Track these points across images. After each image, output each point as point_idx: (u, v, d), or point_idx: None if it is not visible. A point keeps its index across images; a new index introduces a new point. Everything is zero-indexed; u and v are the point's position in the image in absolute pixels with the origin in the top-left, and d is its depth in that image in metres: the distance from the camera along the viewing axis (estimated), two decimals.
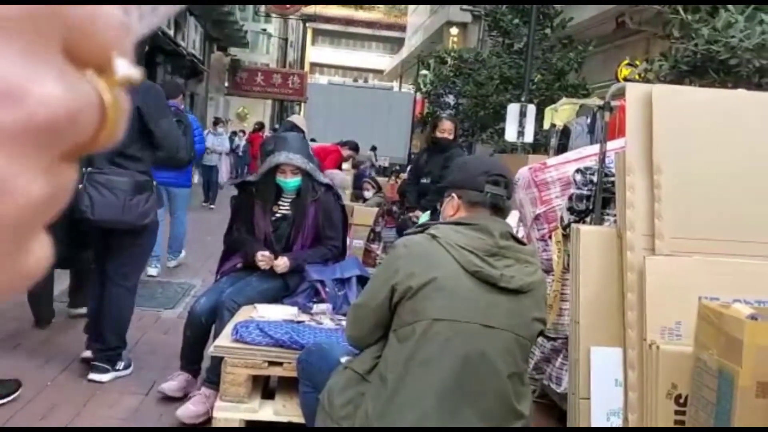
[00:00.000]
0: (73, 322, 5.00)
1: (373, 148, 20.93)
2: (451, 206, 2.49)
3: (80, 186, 3.53)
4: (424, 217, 6.26)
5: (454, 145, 6.50)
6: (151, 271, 6.65)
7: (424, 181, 6.56)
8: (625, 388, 2.90)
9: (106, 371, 3.91)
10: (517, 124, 9.88)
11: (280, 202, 3.78)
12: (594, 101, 5.60)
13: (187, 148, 4.15)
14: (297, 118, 8.55)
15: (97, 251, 3.97)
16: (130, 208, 3.64)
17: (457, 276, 2.30)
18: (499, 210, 2.47)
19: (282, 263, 3.65)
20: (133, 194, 3.65)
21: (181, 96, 6.40)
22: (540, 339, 3.64)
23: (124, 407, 3.62)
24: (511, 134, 10.05)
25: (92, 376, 3.89)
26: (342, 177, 7.62)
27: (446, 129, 6.50)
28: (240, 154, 19.75)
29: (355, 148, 9.16)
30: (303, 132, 7.09)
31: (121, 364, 4.01)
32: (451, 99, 16.22)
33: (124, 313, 4.01)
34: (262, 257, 3.66)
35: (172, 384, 3.70)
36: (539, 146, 10.42)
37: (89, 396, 3.70)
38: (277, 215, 3.78)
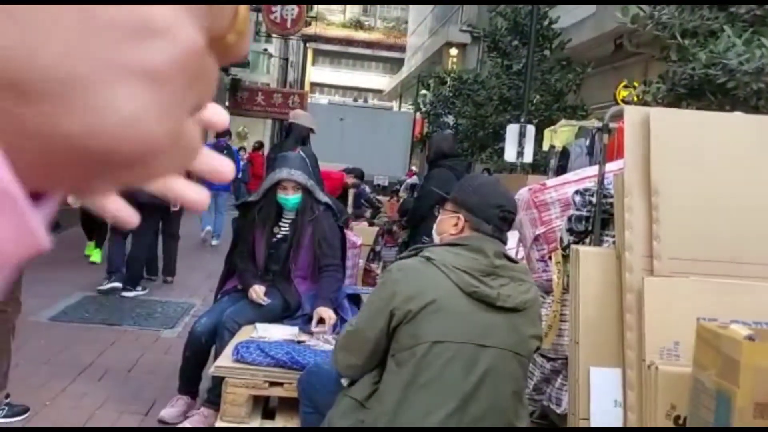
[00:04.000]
0: (74, 342, 5.01)
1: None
2: (455, 227, 2.49)
3: None
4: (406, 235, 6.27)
5: (432, 164, 6.39)
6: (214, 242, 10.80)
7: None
8: (624, 408, 2.90)
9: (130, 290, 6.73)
10: (516, 144, 9.91)
11: (280, 223, 3.79)
12: (593, 123, 5.63)
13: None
14: (300, 115, 7.16)
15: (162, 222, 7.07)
16: None
17: (455, 297, 2.31)
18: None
19: (327, 316, 3.52)
20: None
21: (229, 135, 10.79)
22: (539, 359, 3.64)
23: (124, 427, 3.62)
24: (510, 155, 10.08)
25: (125, 293, 6.66)
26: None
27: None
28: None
29: (360, 176, 9.12)
30: (311, 130, 6.67)
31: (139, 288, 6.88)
32: (450, 119, 16.27)
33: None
34: (257, 296, 3.69)
35: (172, 411, 3.70)
36: (538, 167, 10.45)
37: (89, 416, 3.69)
38: (278, 236, 3.78)
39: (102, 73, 0.27)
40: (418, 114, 22.92)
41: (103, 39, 0.27)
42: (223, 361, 3.11)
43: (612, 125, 3.67)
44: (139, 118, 0.28)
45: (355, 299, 3.78)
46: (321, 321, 3.50)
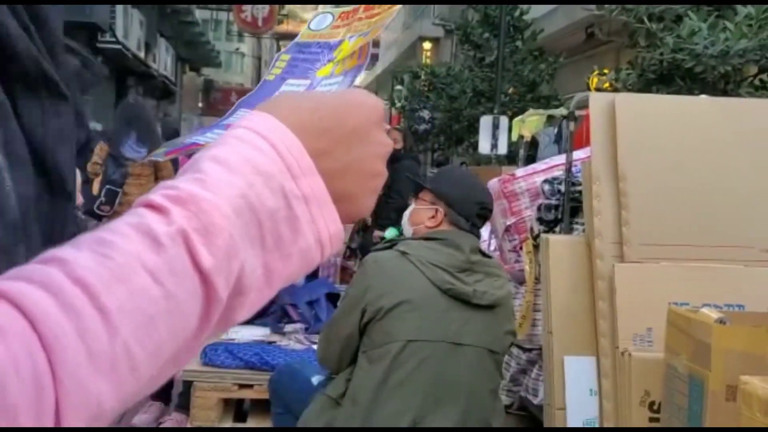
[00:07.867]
0: None
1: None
2: (432, 219, 2.44)
3: None
4: (390, 232, 6.18)
5: (400, 156, 6.27)
6: None
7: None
8: (599, 396, 2.89)
9: None
10: (490, 136, 9.91)
11: None
12: (561, 111, 5.64)
13: None
14: None
15: None
16: None
17: (430, 294, 2.27)
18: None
19: None
20: None
21: None
22: (515, 351, 3.62)
23: None
24: (484, 147, 10.07)
25: None
26: None
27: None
28: None
29: None
30: None
31: None
32: (426, 113, 16.24)
33: None
34: None
35: (145, 417, 3.65)
36: (514, 158, 10.46)
37: None
38: None
39: (366, 194, 0.60)
40: (393, 109, 22.83)
41: (367, 177, 0.60)
42: (191, 364, 3.06)
43: (579, 113, 3.66)
44: (371, 205, 0.61)
45: (334, 299, 3.71)
46: (290, 323, 3.46)
